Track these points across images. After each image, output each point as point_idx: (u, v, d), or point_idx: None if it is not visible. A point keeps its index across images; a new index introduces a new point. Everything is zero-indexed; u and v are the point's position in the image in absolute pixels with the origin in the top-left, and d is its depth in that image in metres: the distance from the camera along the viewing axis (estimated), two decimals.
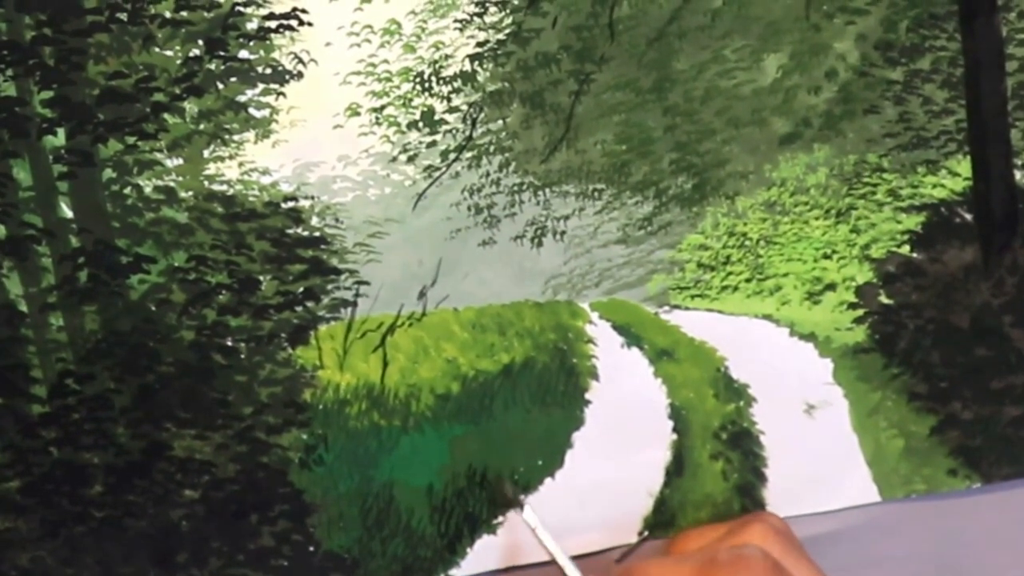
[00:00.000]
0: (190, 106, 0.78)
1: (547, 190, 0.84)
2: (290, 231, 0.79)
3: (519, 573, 0.80)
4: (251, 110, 0.79)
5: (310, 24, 0.79)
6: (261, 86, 0.79)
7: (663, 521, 0.83)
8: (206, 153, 0.79)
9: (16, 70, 0.75)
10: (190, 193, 0.78)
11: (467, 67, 0.83)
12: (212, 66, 0.78)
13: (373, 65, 0.81)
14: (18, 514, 0.75)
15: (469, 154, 0.83)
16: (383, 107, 0.81)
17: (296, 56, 0.79)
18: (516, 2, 0.83)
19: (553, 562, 0.69)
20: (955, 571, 0.86)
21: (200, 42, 0.78)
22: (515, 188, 0.84)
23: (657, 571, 0.69)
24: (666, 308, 0.87)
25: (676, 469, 0.84)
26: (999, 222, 0.88)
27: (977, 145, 0.88)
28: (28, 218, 0.76)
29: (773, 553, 0.65)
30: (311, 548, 0.79)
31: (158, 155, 0.78)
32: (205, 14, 0.77)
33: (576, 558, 0.79)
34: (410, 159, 0.82)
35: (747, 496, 0.85)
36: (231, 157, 0.79)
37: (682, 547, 0.77)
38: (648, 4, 0.84)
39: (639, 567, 0.72)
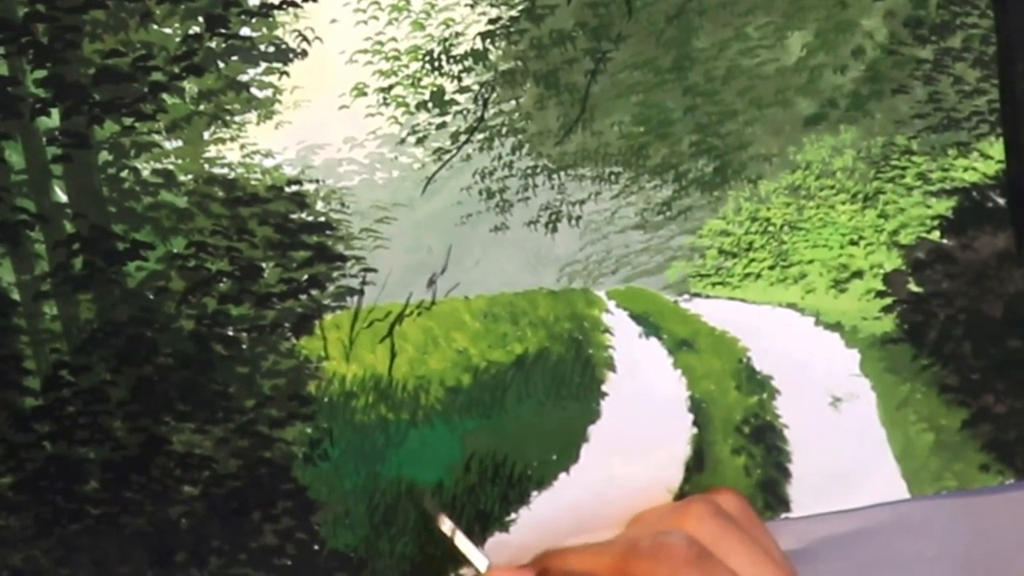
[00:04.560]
0: (190, 86, 0.77)
1: (562, 173, 0.83)
2: (294, 216, 0.78)
3: None
4: (253, 90, 0.78)
5: (314, 0, 0.77)
6: (264, 65, 0.78)
7: None
8: (206, 135, 0.78)
9: (8, 48, 0.74)
10: (190, 176, 0.77)
11: (478, 45, 0.81)
12: (213, 44, 0.77)
13: (380, 43, 0.80)
14: (10, 512, 0.73)
15: (480, 136, 0.81)
16: (391, 87, 0.80)
17: (300, 34, 0.78)
18: None
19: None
20: (987, 570, 0.85)
21: (200, 19, 0.76)
22: (528, 171, 0.82)
23: (576, 560, 0.67)
24: (686, 296, 0.86)
25: (696, 464, 0.83)
26: None
27: (1010, 127, 0.87)
28: (21, 202, 0.75)
29: (705, 536, 0.63)
30: (316, 547, 0.77)
31: (156, 137, 0.77)
32: None
33: None
34: (419, 141, 0.81)
35: (770, 492, 0.84)
36: (232, 139, 0.78)
37: (633, 527, 0.75)
38: None
39: (558, 555, 0.70)
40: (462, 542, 0.69)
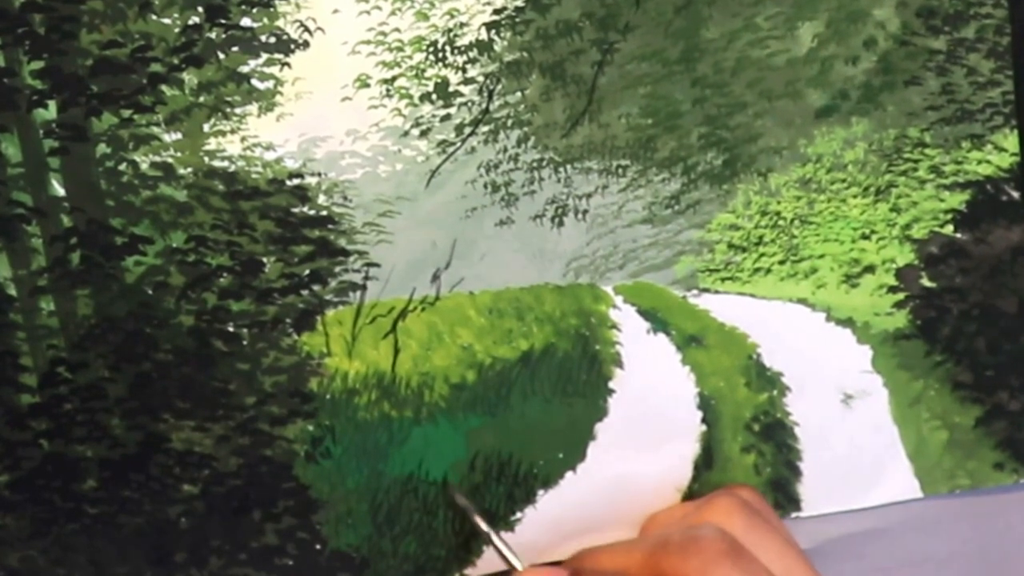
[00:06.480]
0: (189, 77, 0.75)
1: (568, 166, 0.81)
2: (295, 210, 0.76)
3: None
4: (254, 81, 0.77)
5: None
6: (265, 56, 0.76)
7: None
8: (206, 127, 0.76)
9: (4, 39, 0.72)
10: (189, 170, 0.75)
11: (483, 36, 0.79)
12: (212, 35, 0.75)
13: (384, 34, 0.78)
14: (6, 511, 0.72)
15: (485, 128, 0.80)
16: (394, 78, 0.79)
17: (302, 24, 0.76)
18: None
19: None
20: (1001, 570, 0.84)
21: (200, 9, 0.75)
22: (534, 164, 0.81)
23: (608, 558, 0.67)
24: (695, 292, 0.84)
25: (705, 462, 0.82)
26: None
27: None
28: (17, 196, 0.73)
29: (735, 529, 0.63)
30: (317, 546, 0.76)
31: (155, 129, 0.75)
32: None
33: None
34: (423, 133, 0.79)
35: (780, 491, 0.83)
36: (233, 131, 0.76)
37: (648, 528, 0.74)
38: None
39: (590, 554, 0.70)
40: (498, 542, 0.69)
